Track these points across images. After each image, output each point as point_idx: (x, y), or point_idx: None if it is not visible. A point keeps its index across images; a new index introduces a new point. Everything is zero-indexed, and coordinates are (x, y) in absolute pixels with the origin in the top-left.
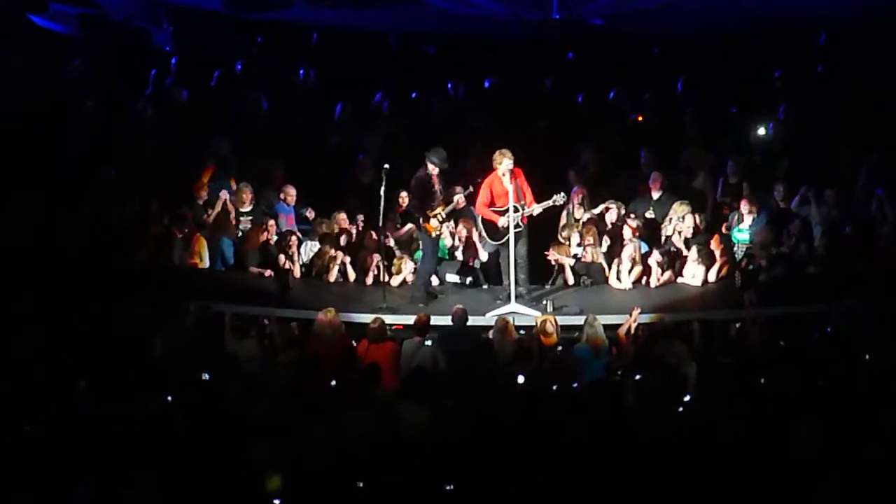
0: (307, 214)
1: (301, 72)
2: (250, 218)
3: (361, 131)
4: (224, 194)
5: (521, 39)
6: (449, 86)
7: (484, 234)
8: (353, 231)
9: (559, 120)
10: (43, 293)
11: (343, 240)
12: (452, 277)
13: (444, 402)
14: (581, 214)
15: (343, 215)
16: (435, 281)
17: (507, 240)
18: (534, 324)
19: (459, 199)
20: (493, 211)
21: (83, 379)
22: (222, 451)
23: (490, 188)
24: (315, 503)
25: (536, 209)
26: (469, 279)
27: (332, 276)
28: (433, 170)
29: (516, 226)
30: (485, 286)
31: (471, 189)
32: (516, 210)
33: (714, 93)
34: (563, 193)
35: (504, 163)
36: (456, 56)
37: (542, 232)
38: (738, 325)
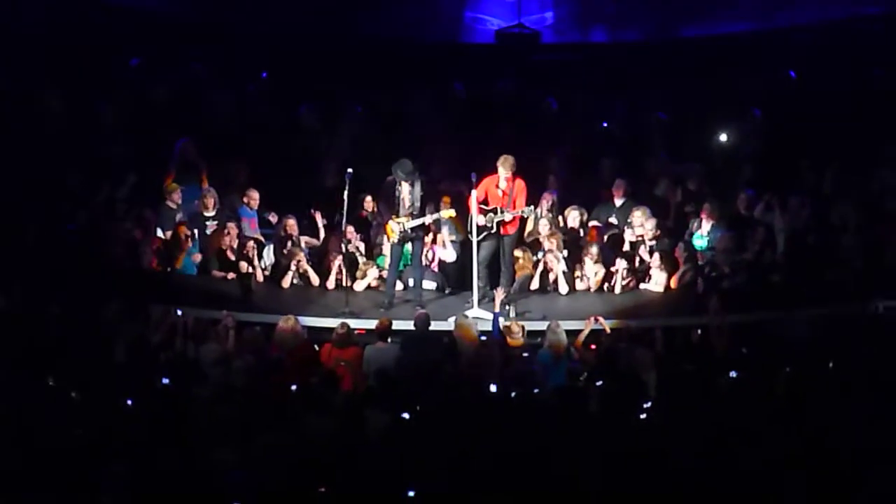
0: (270, 218)
1: (265, 74)
2: (216, 222)
3: (325, 135)
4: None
5: (487, 44)
6: (416, 90)
7: (449, 236)
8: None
9: (525, 125)
10: (8, 294)
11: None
12: (428, 283)
13: (406, 407)
14: (550, 220)
15: (292, 221)
16: (400, 286)
17: (483, 239)
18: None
19: (428, 219)
20: (480, 208)
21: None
22: (183, 455)
23: (486, 188)
24: None
25: (507, 216)
26: (435, 284)
27: (287, 281)
28: (399, 180)
29: (489, 227)
30: (447, 290)
31: (444, 213)
32: (496, 212)
33: (679, 100)
34: (532, 207)
35: (501, 170)
36: (422, 60)
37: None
38: (699, 332)
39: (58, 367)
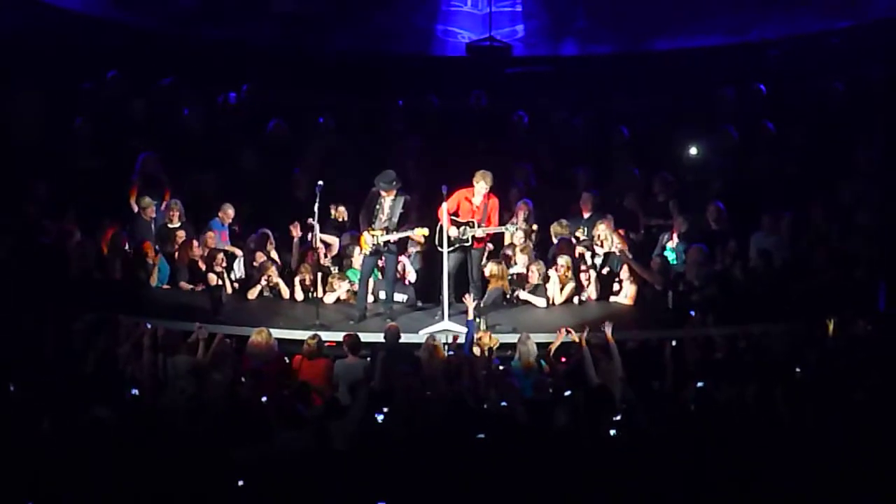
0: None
1: (245, 87)
2: (182, 233)
3: (297, 148)
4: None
5: (458, 57)
6: (387, 103)
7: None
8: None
9: (496, 137)
10: None
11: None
12: (399, 296)
13: (377, 420)
14: (525, 231)
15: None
16: (370, 299)
17: (452, 251)
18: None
19: (394, 237)
20: (451, 220)
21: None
22: (156, 468)
23: (459, 200)
24: None
25: (479, 231)
26: (406, 297)
27: (253, 293)
28: (381, 191)
29: (465, 240)
30: (419, 303)
31: (416, 232)
32: (471, 226)
33: (649, 113)
34: (515, 223)
35: (479, 185)
36: (393, 73)
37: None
38: (674, 343)
39: (26, 379)
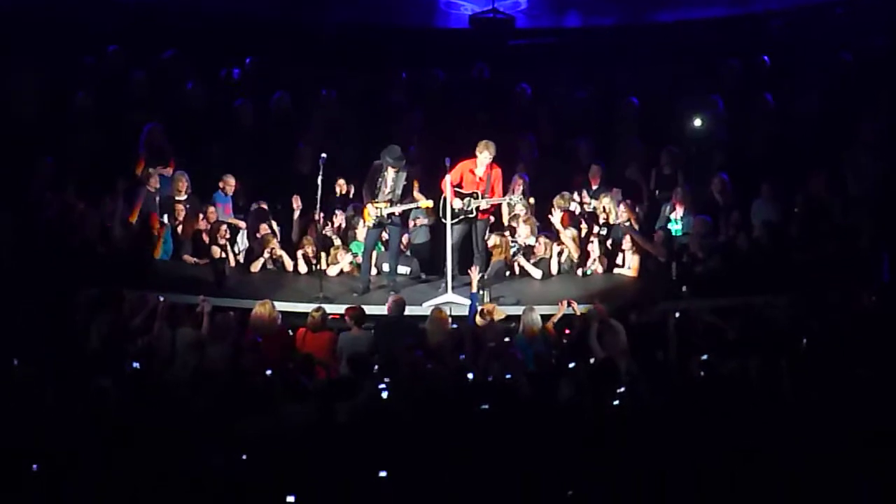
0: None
1: (248, 61)
2: (187, 206)
3: (300, 121)
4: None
5: (461, 29)
6: (390, 75)
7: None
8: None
9: (499, 110)
10: None
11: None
12: (403, 268)
13: (379, 392)
14: (525, 204)
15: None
16: (374, 272)
17: (457, 223)
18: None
19: (399, 209)
20: (455, 191)
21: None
22: (158, 442)
23: (462, 172)
24: (252, 494)
25: (484, 203)
26: (409, 269)
27: (256, 266)
28: (386, 165)
29: (469, 212)
30: (422, 275)
31: (421, 203)
32: (475, 197)
33: (653, 85)
34: (520, 196)
35: (483, 155)
36: (396, 45)
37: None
38: (677, 315)
39: (31, 354)
